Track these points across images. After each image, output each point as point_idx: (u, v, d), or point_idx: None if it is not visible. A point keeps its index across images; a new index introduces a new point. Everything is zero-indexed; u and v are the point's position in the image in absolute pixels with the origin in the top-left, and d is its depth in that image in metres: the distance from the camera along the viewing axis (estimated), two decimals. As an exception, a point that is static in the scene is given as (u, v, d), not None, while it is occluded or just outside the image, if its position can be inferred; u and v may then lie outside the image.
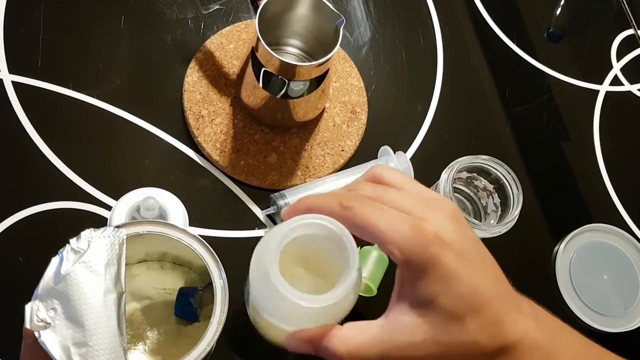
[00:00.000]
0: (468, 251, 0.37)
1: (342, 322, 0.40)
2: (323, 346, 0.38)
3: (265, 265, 0.38)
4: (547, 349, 0.38)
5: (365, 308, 0.62)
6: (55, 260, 0.42)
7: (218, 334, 0.45)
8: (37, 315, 0.40)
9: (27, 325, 0.40)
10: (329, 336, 0.38)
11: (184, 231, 0.48)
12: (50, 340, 0.39)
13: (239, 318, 0.56)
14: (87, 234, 0.43)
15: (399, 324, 0.37)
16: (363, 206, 0.37)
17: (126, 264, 0.44)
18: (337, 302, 0.38)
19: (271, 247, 0.38)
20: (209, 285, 0.48)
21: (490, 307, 0.36)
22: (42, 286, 0.41)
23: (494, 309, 0.36)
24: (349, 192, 0.39)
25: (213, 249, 0.62)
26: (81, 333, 0.40)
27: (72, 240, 0.43)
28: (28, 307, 0.40)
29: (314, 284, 0.44)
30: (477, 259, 0.37)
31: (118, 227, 0.45)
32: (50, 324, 0.40)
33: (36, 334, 0.40)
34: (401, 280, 0.38)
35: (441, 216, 0.37)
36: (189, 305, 0.52)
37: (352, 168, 0.66)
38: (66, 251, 0.42)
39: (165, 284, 0.54)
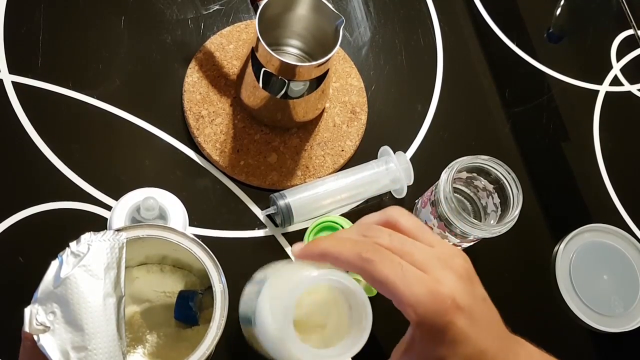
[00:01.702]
0: (477, 312, 0.39)
1: None
2: None
3: (279, 326, 0.38)
4: None
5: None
6: (54, 264, 0.42)
7: (217, 338, 0.45)
8: (36, 319, 0.40)
9: (27, 328, 0.40)
10: None
11: (183, 235, 0.48)
12: (49, 343, 0.39)
13: (239, 323, 0.56)
14: (86, 237, 0.43)
15: None
16: (383, 260, 0.38)
17: (126, 267, 0.44)
18: None
19: (284, 307, 0.38)
20: (209, 288, 0.48)
21: None
22: (41, 290, 0.41)
23: None
24: (365, 238, 0.40)
25: (213, 249, 0.62)
26: (80, 337, 0.40)
27: (72, 244, 0.43)
28: (27, 311, 0.40)
29: (317, 320, 0.44)
30: (484, 319, 0.39)
31: (118, 230, 0.45)
32: (49, 327, 0.40)
33: (35, 337, 0.39)
34: (411, 337, 0.39)
35: (455, 277, 0.38)
36: (189, 309, 0.52)
37: (352, 168, 0.66)
38: (66, 255, 0.42)
39: (165, 287, 0.54)
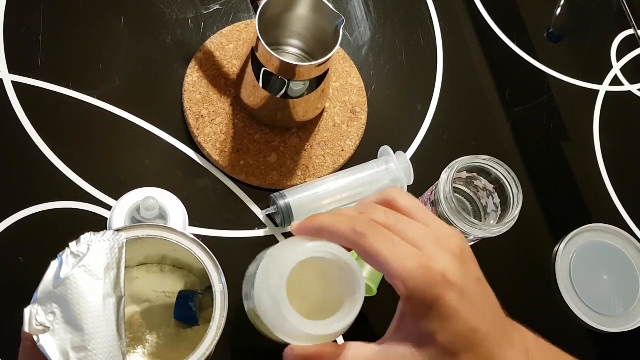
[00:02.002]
0: (470, 290, 0.38)
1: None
2: None
3: (273, 291, 0.39)
4: None
5: (365, 308, 0.62)
6: (54, 264, 0.42)
7: (217, 338, 0.45)
8: (36, 319, 0.40)
9: (26, 329, 0.40)
10: (325, 357, 0.39)
11: (183, 235, 0.48)
12: (49, 344, 0.39)
13: (239, 323, 0.56)
14: (86, 237, 0.43)
15: (396, 352, 0.38)
16: (375, 235, 0.38)
17: (126, 267, 0.44)
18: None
19: (279, 273, 0.39)
20: (209, 288, 0.48)
21: (484, 345, 0.38)
22: (41, 290, 0.41)
23: (488, 346, 0.38)
24: (361, 215, 0.40)
25: (213, 249, 0.62)
26: (80, 337, 0.40)
27: (72, 244, 0.42)
28: (27, 311, 0.40)
29: (314, 295, 0.45)
30: (477, 298, 0.39)
31: (118, 230, 0.45)
32: (49, 328, 0.40)
33: (35, 338, 0.39)
34: (402, 312, 0.39)
35: (448, 255, 0.38)
36: (189, 309, 0.52)
37: (352, 168, 0.66)
38: (65, 255, 0.42)
39: (165, 287, 0.54)
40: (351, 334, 0.45)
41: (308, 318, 0.39)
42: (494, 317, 0.39)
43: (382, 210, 0.41)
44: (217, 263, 0.48)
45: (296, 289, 0.41)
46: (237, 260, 0.62)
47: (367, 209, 0.41)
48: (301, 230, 0.41)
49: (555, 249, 0.69)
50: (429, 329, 0.37)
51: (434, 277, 0.37)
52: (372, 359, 0.39)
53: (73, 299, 0.40)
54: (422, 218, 0.41)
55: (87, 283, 0.41)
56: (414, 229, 0.39)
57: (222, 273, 0.48)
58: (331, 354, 0.39)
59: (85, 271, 0.41)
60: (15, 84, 0.64)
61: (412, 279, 0.37)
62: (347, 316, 0.40)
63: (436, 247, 0.38)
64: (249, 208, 0.64)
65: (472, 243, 0.61)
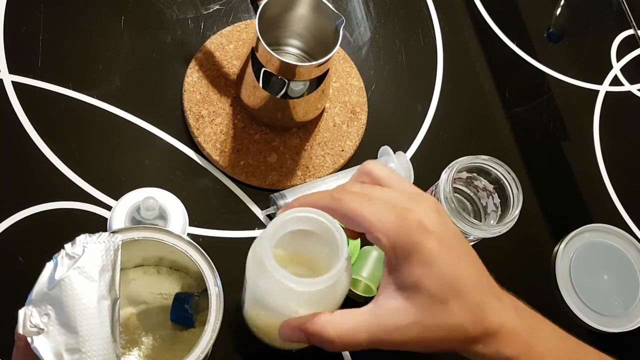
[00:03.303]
0: (449, 240, 0.39)
1: None
2: (313, 331, 0.39)
3: (260, 255, 0.40)
4: (525, 338, 0.39)
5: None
6: (49, 266, 0.42)
7: (212, 341, 0.45)
8: (30, 321, 0.40)
9: (20, 330, 0.39)
10: (319, 322, 0.39)
11: (180, 237, 0.48)
12: (43, 346, 0.39)
13: (236, 325, 0.56)
14: (82, 239, 0.43)
15: (387, 308, 0.39)
16: (352, 196, 0.40)
17: (122, 269, 0.44)
18: (328, 289, 0.40)
19: (265, 237, 0.40)
20: (206, 291, 0.48)
21: (471, 293, 0.38)
22: (35, 291, 0.41)
23: (475, 295, 0.38)
24: (339, 187, 0.42)
25: (213, 249, 0.62)
26: (74, 339, 0.39)
27: (67, 246, 0.42)
28: (21, 313, 0.40)
29: (304, 271, 0.46)
30: (458, 248, 0.39)
31: (114, 232, 0.45)
32: (43, 329, 0.39)
33: (29, 339, 0.39)
34: (388, 266, 0.40)
35: (424, 207, 0.39)
36: (185, 311, 0.52)
37: (352, 168, 0.66)
38: (60, 256, 0.42)
39: (162, 289, 0.54)
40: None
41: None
42: (478, 272, 0.40)
43: (358, 183, 0.42)
44: (213, 266, 0.48)
45: (289, 271, 0.41)
46: (237, 260, 0.62)
47: (345, 184, 0.43)
48: (286, 210, 0.43)
49: (555, 249, 0.69)
50: (413, 276, 0.38)
51: (412, 225, 0.38)
52: (365, 319, 0.39)
53: (67, 300, 0.40)
54: (397, 185, 0.42)
55: (81, 285, 0.41)
56: (390, 192, 0.41)
57: (218, 276, 0.47)
58: (324, 318, 0.39)
59: (80, 273, 0.41)
60: (15, 84, 0.64)
61: (391, 229, 0.38)
62: (332, 270, 0.40)
63: (411, 201, 0.40)
64: (249, 208, 0.64)
65: (472, 243, 0.61)
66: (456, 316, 0.38)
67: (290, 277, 0.39)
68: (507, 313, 0.39)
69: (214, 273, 0.47)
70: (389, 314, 0.38)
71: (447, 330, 0.38)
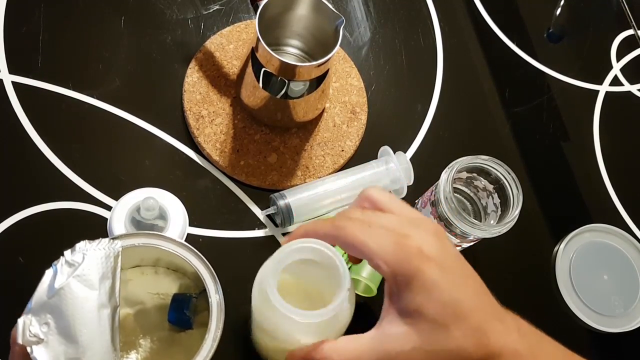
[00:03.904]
0: (449, 264, 0.39)
1: None
2: (319, 359, 0.40)
3: (264, 288, 0.41)
4: (528, 359, 0.40)
5: (366, 308, 0.62)
6: (48, 273, 0.41)
7: (213, 350, 0.45)
8: (29, 330, 0.39)
9: (19, 340, 0.39)
10: (324, 350, 0.40)
11: (180, 244, 0.48)
12: (42, 356, 0.38)
13: (238, 328, 0.56)
14: (81, 246, 0.42)
15: (389, 333, 0.39)
16: (353, 224, 0.40)
17: (120, 270, 0.44)
18: (331, 319, 0.41)
19: (269, 270, 0.42)
20: (203, 291, 0.47)
21: (472, 316, 0.38)
22: (35, 300, 0.40)
23: (477, 318, 0.38)
24: (341, 214, 0.43)
25: (213, 249, 0.62)
26: (74, 349, 0.39)
27: (67, 253, 0.42)
28: (20, 322, 0.39)
29: (308, 300, 0.47)
30: (458, 272, 0.40)
31: (113, 238, 0.44)
32: (43, 339, 0.39)
33: (28, 349, 0.39)
34: (389, 292, 0.40)
35: (423, 233, 0.40)
36: (183, 313, 0.51)
37: (352, 168, 0.66)
38: (60, 264, 0.41)
39: (159, 289, 0.54)
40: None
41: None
42: (478, 294, 0.40)
43: (359, 209, 0.43)
44: (214, 273, 0.47)
45: (293, 297, 0.43)
46: (237, 260, 0.62)
47: (346, 211, 0.43)
48: (289, 239, 0.44)
49: (555, 249, 0.69)
50: (415, 303, 0.38)
51: (411, 252, 0.38)
52: (368, 344, 0.39)
53: (67, 309, 0.39)
54: (397, 210, 0.42)
55: (82, 293, 0.40)
56: (390, 217, 0.41)
57: (219, 284, 0.47)
58: (328, 345, 0.40)
59: (80, 281, 0.40)
60: (15, 84, 0.64)
61: (391, 256, 0.38)
62: (335, 302, 0.40)
63: (411, 228, 0.40)
64: (249, 208, 0.64)
65: (472, 243, 0.61)
66: (458, 340, 0.38)
67: (294, 310, 0.40)
68: (509, 335, 0.40)
69: (215, 280, 0.47)
70: (392, 340, 0.39)
71: (449, 354, 0.38)
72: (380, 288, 0.61)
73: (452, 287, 0.38)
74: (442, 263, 0.39)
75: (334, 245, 0.42)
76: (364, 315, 0.62)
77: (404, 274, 0.38)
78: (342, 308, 0.42)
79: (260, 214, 0.64)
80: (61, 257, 0.42)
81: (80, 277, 0.40)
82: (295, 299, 0.45)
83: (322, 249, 0.42)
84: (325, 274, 0.44)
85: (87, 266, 0.41)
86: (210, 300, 0.46)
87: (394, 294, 0.39)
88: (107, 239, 0.44)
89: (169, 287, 0.54)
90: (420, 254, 0.38)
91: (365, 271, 0.60)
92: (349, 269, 0.63)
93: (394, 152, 0.66)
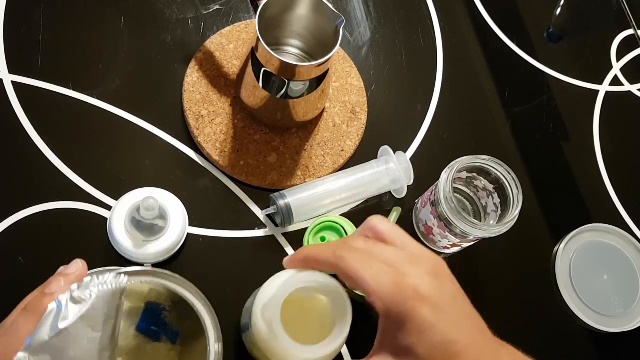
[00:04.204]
0: (444, 304, 0.40)
1: None
2: None
3: (269, 317, 0.43)
4: None
5: (366, 309, 0.62)
6: (52, 309, 0.39)
7: None
8: None
9: None
10: None
11: (190, 287, 0.46)
12: None
13: (237, 332, 0.56)
14: (89, 281, 0.41)
15: None
16: (354, 256, 0.41)
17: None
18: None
19: (273, 302, 0.43)
20: (178, 303, 0.46)
21: (464, 356, 0.39)
22: (36, 338, 0.38)
23: (469, 358, 0.39)
24: (342, 242, 0.44)
25: (213, 249, 0.62)
26: None
27: (74, 287, 0.40)
28: (17, 358, 0.37)
29: (309, 323, 0.48)
30: (453, 312, 0.40)
31: (120, 273, 0.43)
32: None
33: None
34: (383, 329, 0.41)
35: (421, 271, 0.41)
36: (152, 324, 0.49)
37: (352, 168, 0.66)
38: (66, 300, 0.40)
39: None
40: (353, 337, 0.45)
41: (301, 343, 0.42)
42: (472, 331, 0.41)
43: (361, 238, 0.44)
44: (217, 321, 0.46)
45: (294, 322, 0.44)
46: (237, 260, 0.62)
47: (348, 239, 0.44)
48: (290, 263, 0.45)
49: (555, 249, 0.69)
50: (407, 343, 0.39)
51: (407, 292, 0.39)
52: None
53: (69, 352, 0.38)
54: (400, 242, 0.43)
55: (86, 335, 0.39)
56: (391, 251, 0.42)
57: (221, 332, 0.46)
58: None
59: (86, 321, 0.39)
60: (15, 84, 0.64)
61: (387, 294, 0.39)
62: (337, 339, 0.42)
63: (410, 265, 0.41)
64: (249, 208, 0.64)
65: (472, 243, 0.61)
66: None
67: (298, 347, 0.41)
68: None
69: (217, 329, 0.46)
70: None
71: None
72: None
73: (445, 328, 0.39)
74: (437, 303, 0.39)
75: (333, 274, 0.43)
76: (364, 316, 0.62)
77: (398, 314, 0.39)
78: (342, 344, 0.43)
79: (260, 213, 0.64)
80: (67, 292, 0.40)
81: (85, 317, 0.39)
82: (294, 313, 0.46)
83: (329, 283, 0.43)
84: (327, 298, 0.46)
85: (93, 305, 0.40)
86: (208, 347, 0.45)
87: (387, 331, 0.40)
88: (113, 274, 0.42)
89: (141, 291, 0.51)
90: (415, 293, 0.39)
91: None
92: None
93: (394, 152, 0.66)
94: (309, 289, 0.44)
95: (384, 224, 0.44)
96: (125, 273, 0.44)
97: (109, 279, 0.41)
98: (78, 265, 0.44)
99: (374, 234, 0.44)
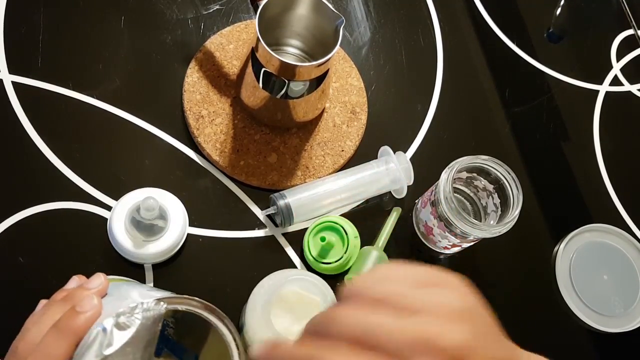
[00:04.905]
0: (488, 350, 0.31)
1: None
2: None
3: (260, 306, 0.46)
4: None
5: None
6: (97, 333, 0.38)
7: None
8: None
9: None
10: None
11: (223, 320, 0.44)
12: None
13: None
14: (134, 307, 0.40)
15: None
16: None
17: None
18: None
19: (267, 294, 0.45)
20: (180, 320, 0.45)
21: None
22: None
23: None
24: (322, 337, 0.31)
25: (213, 249, 0.62)
26: None
27: (121, 312, 0.39)
28: None
29: (302, 322, 0.48)
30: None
31: (159, 300, 0.42)
32: None
33: None
34: None
35: (444, 329, 0.29)
36: (164, 344, 0.48)
37: (352, 168, 0.66)
38: (111, 325, 0.39)
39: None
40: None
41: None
42: None
43: (349, 314, 0.31)
44: (244, 350, 0.44)
45: (286, 320, 0.46)
46: (237, 260, 0.62)
47: (330, 320, 0.31)
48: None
49: (555, 249, 0.69)
50: None
51: None
52: None
53: None
54: (406, 303, 0.30)
55: None
56: (389, 327, 0.29)
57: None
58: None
59: (129, 350, 0.39)
60: (15, 84, 0.64)
61: None
62: None
63: (422, 356, 0.28)
64: (249, 208, 0.64)
65: (472, 243, 0.61)
66: None
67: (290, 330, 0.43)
68: None
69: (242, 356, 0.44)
70: None
71: None
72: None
73: None
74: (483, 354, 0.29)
75: None
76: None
77: None
78: None
79: (260, 214, 0.64)
80: (112, 317, 0.39)
81: (128, 344, 0.39)
82: (286, 313, 0.48)
83: (318, 283, 0.45)
84: (319, 297, 0.48)
85: (136, 333, 0.39)
86: None
87: None
88: (153, 301, 0.41)
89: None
90: None
91: (366, 270, 0.60)
92: (349, 268, 0.64)
93: (394, 152, 0.66)
94: (301, 287, 0.44)
95: (376, 286, 0.32)
96: (163, 300, 0.42)
97: (151, 305, 0.40)
98: (100, 279, 0.43)
99: (360, 300, 0.31)
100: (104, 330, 0.38)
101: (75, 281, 0.46)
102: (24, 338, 0.40)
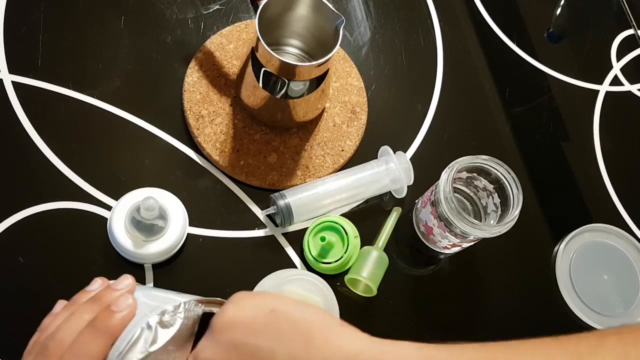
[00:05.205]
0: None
1: None
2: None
3: None
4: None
5: (365, 308, 0.62)
6: (141, 331, 0.40)
7: None
8: None
9: None
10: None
11: None
12: None
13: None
14: (177, 307, 0.41)
15: None
16: None
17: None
18: None
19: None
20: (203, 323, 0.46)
21: None
22: (126, 358, 0.39)
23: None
24: None
25: (213, 249, 0.62)
26: None
27: (167, 309, 0.41)
28: None
29: None
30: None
31: (197, 301, 0.43)
32: None
33: None
34: None
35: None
36: None
37: (352, 168, 0.66)
38: (155, 323, 0.40)
39: None
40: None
41: None
42: None
43: None
44: None
45: None
46: (237, 260, 0.62)
47: None
48: None
49: (555, 249, 0.69)
50: None
51: None
52: None
53: None
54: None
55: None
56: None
57: None
58: None
59: (171, 349, 0.40)
60: (15, 84, 0.64)
61: None
62: None
63: None
64: (249, 208, 0.64)
65: (472, 243, 0.61)
66: None
67: None
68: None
69: None
70: None
71: None
72: (380, 288, 0.61)
73: None
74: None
75: None
76: (364, 315, 0.62)
77: None
78: None
79: (260, 214, 0.64)
80: (157, 315, 0.41)
81: (170, 342, 0.40)
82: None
83: (318, 284, 0.47)
84: (319, 297, 0.49)
85: (179, 331, 0.40)
86: None
87: None
88: (193, 301, 0.43)
89: None
90: None
91: (366, 271, 0.60)
92: (349, 268, 0.64)
93: (394, 152, 0.66)
94: (301, 287, 0.44)
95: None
96: (200, 302, 0.44)
97: (192, 306, 0.42)
98: (129, 280, 0.44)
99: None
100: (149, 327, 0.40)
101: (98, 283, 0.47)
102: (53, 337, 0.40)
